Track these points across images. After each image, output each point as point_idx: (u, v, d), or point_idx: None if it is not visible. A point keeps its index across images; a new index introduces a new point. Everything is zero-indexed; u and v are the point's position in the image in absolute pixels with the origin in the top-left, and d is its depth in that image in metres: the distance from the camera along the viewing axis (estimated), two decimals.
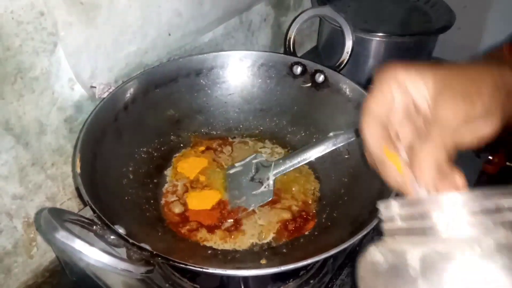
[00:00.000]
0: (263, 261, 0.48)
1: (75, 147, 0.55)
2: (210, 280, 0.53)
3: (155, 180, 0.60)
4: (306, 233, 0.55)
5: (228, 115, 0.69)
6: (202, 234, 0.54)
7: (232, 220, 0.56)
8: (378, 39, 0.81)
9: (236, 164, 0.63)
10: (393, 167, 0.31)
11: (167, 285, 0.52)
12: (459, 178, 0.29)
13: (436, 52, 0.87)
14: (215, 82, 0.67)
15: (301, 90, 0.66)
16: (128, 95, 0.59)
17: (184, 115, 0.66)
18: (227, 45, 0.79)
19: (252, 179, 0.60)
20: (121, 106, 0.58)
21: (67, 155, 0.59)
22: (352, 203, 0.55)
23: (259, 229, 0.55)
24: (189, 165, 0.63)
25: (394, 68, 0.32)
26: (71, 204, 0.63)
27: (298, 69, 0.66)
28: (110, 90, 0.58)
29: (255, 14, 0.83)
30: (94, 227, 0.42)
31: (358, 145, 0.59)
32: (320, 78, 0.64)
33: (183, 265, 0.39)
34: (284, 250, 0.52)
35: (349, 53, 0.66)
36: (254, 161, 0.62)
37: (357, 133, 0.54)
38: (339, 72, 0.64)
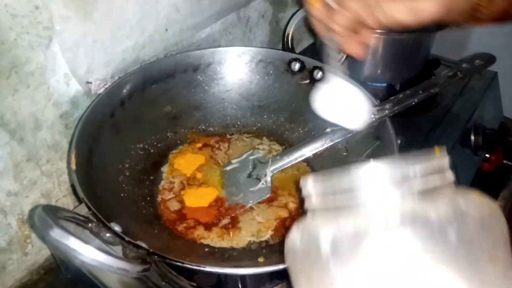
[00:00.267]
0: (260, 259, 0.48)
1: (70, 143, 0.55)
2: (207, 278, 0.53)
3: (151, 177, 0.60)
4: None
5: (225, 111, 0.68)
6: (199, 231, 0.53)
7: (229, 218, 0.55)
8: (376, 35, 0.80)
9: (233, 161, 0.62)
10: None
11: (163, 283, 0.51)
12: (370, 36, 0.32)
13: (435, 49, 0.87)
14: (212, 78, 0.67)
15: (299, 87, 0.66)
16: (124, 91, 0.58)
17: (181, 111, 0.66)
18: (225, 41, 0.78)
19: (249, 175, 0.59)
20: (118, 102, 0.58)
21: (63, 151, 0.58)
22: None
23: (257, 227, 0.55)
24: (186, 161, 0.63)
25: None
26: (67, 201, 0.62)
27: (296, 66, 0.65)
28: (106, 86, 0.57)
29: (253, 10, 0.82)
30: (90, 224, 0.41)
31: (357, 143, 0.58)
32: (319, 75, 0.64)
33: (180, 264, 0.39)
34: (282, 248, 0.51)
35: None
36: (251, 157, 0.61)
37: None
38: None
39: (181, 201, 0.57)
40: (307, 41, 1.02)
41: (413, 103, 0.54)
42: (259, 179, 0.58)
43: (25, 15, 0.46)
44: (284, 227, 0.55)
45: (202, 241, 0.53)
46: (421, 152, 0.26)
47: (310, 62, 0.65)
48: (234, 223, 0.55)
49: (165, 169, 0.62)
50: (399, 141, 0.52)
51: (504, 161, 0.82)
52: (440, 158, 0.27)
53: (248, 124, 0.69)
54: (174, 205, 0.56)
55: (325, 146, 0.55)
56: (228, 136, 0.68)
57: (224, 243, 0.52)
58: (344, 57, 0.65)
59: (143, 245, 0.40)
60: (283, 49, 0.70)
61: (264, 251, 0.51)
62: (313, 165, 0.63)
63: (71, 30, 0.51)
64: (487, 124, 0.81)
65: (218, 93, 0.67)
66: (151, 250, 0.40)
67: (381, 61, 0.80)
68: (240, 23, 0.81)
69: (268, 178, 0.57)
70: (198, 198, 0.57)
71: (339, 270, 0.25)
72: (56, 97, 0.54)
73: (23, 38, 0.47)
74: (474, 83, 0.85)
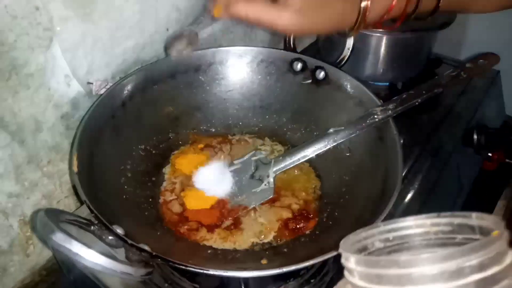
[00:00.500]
0: (264, 261, 0.48)
1: (71, 145, 0.54)
2: (210, 280, 0.52)
3: (153, 179, 0.59)
4: (307, 232, 0.54)
5: (227, 112, 0.68)
6: (202, 233, 0.53)
7: (231, 219, 0.55)
8: (378, 35, 0.80)
9: (235, 162, 0.62)
10: None
11: (166, 284, 0.51)
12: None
13: (437, 48, 0.86)
14: (214, 78, 0.66)
15: (301, 87, 0.65)
16: (125, 91, 0.58)
17: (182, 112, 0.65)
18: (226, 40, 0.78)
19: (252, 176, 0.59)
20: (119, 103, 0.57)
21: (64, 153, 0.58)
22: (353, 202, 0.54)
23: (260, 228, 0.54)
24: (187, 161, 0.62)
25: None
26: (68, 202, 0.62)
27: (298, 66, 0.65)
28: (107, 87, 0.57)
29: None
30: (92, 227, 0.41)
31: (359, 143, 0.58)
32: (321, 74, 0.63)
33: (183, 267, 0.39)
34: (285, 250, 0.51)
35: (350, 49, 0.66)
36: (254, 158, 0.61)
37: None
38: (339, 68, 0.63)
39: (183, 204, 0.57)
40: (307, 40, 1.01)
41: (417, 103, 0.54)
42: (261, 180, 0.58)
43: (24, 16, 0.46)
44: (287, 228, 0.54)
45: (205, 243, 0.52)
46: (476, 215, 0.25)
47: (312, 61, 0.64)
48: (236, 224, 0.55)
49: (166, 170, 0.62)
50: (401, 141, 0.52)
51: (507, 160, 0.82)
52: (498, 240, 0.24)
53: (250, 125, 0.68)
54: (176, 207, 0.56)
55: (328, 146, 0.55)
56: (230, 137, 0.67)
57: (227, 245, 0.52)
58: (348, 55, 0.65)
59: (146, 247, 0.40)
60: (285, 48, 0.69)
61: (267, 252, 0.51)
62: (316, 165, 0.62)
63: (71, 30, 0.51)
64: (490, 123, 0.81)
65: (219, 94, 0.67)
66: (154, 253, 0.39)
67: (383, 60, 0.80)
68: (241, 22, 0.80)
69: (271, 179, 0.57)
70: (199, 200, 0.57)
71: None
72: (57, 98, 0.54)
73: (23, 40, 0.47)
74: (477, 82, 0.84)
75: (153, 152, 0.61)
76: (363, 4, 0.42)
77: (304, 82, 0.65)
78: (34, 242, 0.58)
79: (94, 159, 0.51)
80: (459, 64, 0.57)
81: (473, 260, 0.23)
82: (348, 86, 0.61)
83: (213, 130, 0.67)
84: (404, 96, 0.55)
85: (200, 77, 0.65)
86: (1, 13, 0.44)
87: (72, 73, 0.54)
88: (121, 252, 0.40)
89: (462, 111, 0.79)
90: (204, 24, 0.52)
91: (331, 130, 0.55)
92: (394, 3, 0.44)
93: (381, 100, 0.56)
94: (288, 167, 0.57)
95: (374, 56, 0.82)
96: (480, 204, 0.78)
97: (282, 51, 0.67)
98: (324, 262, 0.53)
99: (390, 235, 0.30)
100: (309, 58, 0.65)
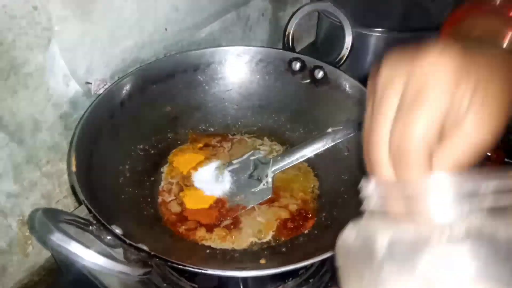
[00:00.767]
0: (262, 261, 0.48)
1: (70, 145, 0.54)
2: (209, 280, 0.52)
3: (152, 178, 0.59)
4: (306, 231, 0.54)
5: (226, 111, 0.68)
6: (201, 233, 0.53)
7: (230, 218, 0.55)
8: (377, 34, 0.80)
9: (234, 161, 0.62)
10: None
11: (164, 284, 0.51)
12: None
13: None
14: (212, 78, 0.66)
15: (300, 86, 0.65)
16: (124, 91, 0.58)
17: (181, 111, 0.65)
18: (225, 40, 0.78)
19: (251, 176, 0.59)
20: (117, 102, 0.57)
21: (63, 152, 0.58)
22: (352, 201, 0.54)
23: (258, 228, 0.54)
24: (184, 160, 0.62)
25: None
26: (67, 202, 0.62)
27: (297, 65, 0.65)
28: (106, 86, 0.57)
29: (252, 9, 0.82)
30: (91, 227, 0.41)
31: (358, 143, 0.58)
32: (320, 74, 0.63)
33: (182, 266, 0.39)
34: (284, 250, 0.51)
35: (348, 48, 0.65)
36: (252, 157, 0.61)
37: (358, 127, 0.53)
38: (338, 68, 0.63)
39: (181, 203, 0.57)
40: (306, 40, 1.01)
41: None
42: (260, 180, 0.58)
43: (23, 16, 0.46)
44: (285, 228, 0.54)
45: (204, 242, 0.52)
46: (495, 169, 0.25)
47: (310, 61, 0.64)
48: (235, 224, 0.55)
49: (165, 169, 0.61)
50: None
51: (506, 160, 0.82)
52: None
53: (249, 124, 0.68)
54: (174, 207, 0.56)
55: (327, 146, 0.55)
56: (229, 136, 0.67)
57: (226, 245, 0.52)
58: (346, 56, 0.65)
59: (145, 247, 0.40)
60: (283, 48, 0.69)
61: (265, 252, 0.51)
62: (315, 165, 0.62)
63: (69, 30, 0.51)
64: None
65: (218, 93, 0.67)
66: (152, 253, 0.39)
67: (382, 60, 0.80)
68: (240, 22, 0.80)
69: (269, 179, 0.57)
70: (198, 200, 0.57)
71: (392, 274, 0.24)
72: (56, 98, 0.54)
73: (22, 39, 0.47)
74: None
75: (152, 152, 0.61)
76: None
77: (302, 82, 0.65)
78: (33, 242, 0.58)
79: (93, 159, 0.51)
80: None
81: (489, 185, 0.24)
82: (347, 86, 0.61)
83: (212, 129, 0.68)
84: None
85: (199, 77, 0.65)
86: None
87: (71, 72, 0.54)
88: (119, 252, 0.40)
89: None
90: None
91: (329, 130, 0.55)
92: None
93: None
94: (286, 167, 0.57)
95: (373, 56, 0.82)
96: None
97: (280, 50, 0.67)
98: (323, 262, 0.53)
99: None
100: (307, 57, 0.65)
